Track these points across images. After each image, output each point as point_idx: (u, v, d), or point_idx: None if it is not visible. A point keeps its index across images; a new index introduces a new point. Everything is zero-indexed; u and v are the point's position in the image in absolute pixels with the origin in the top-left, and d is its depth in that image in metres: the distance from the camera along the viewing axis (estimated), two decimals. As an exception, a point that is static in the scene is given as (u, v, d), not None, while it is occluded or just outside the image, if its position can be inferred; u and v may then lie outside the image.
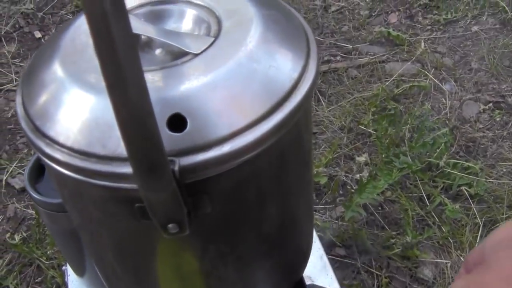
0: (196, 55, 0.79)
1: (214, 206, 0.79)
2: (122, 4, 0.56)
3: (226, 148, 0.73)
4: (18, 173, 2.30)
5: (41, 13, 3.18)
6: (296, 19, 0.92)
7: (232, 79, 0.76)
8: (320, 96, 2.50)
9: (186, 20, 0.89)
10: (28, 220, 2.12)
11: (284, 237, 1.03)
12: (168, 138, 0.71)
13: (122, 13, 0.56)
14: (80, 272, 1.38)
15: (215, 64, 0.77)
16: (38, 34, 3.05)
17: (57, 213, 1.17)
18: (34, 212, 2.12)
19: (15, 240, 2.03)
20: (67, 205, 0.96)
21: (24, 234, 2.06)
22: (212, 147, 0.73)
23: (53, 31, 3.04)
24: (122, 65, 0.58)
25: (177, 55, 0.81)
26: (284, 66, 0.81)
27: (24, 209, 2.16)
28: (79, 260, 1.32)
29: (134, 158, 0.67)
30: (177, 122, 0.72)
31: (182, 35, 0.85)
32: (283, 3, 0.97)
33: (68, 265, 1.46)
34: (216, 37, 0.82)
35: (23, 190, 2.22)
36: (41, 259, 1.95)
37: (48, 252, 1.96)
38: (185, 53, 0.80)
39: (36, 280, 1.94)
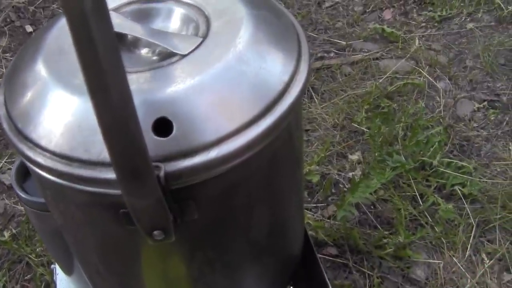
0: (184, 56, 0.77)
1: (201, 212, 0.78)
2: (103, 4, 0.54)
3: (213, 153, 0.71)
4: (8, 169, 2.28)
5: (33, 7, 3.15)
6: (287, 19, 0.90)
7: (220, 82, 0.74)
8: (313, 93, 2.47)
9: (174, 19, 0.87)
10: (18, 217, 2.10)
11: (273, 242, 1.01)
12: (153, 143, 0.69)
13: (103, 13, 0.54)
14: (68, 271, 1.37)
15: (202, 66, 0.75)
16: (29, 28, 3.02)
17: (44, 212, 1.15)
18: (23, 208, 2.11)
19: (4, 236, 2.01)
20: (50, 207, 0.95)
21: (14, 231, 2.04)
22: (198, 153, 0.71)
23: (44, 24, 3.02)
24: (104, 69, 0.56)
25: (164, 56, 0.79)
26: (274, 69, 0.79)
27: (14, 205, 2.14)
28: (66, 259, 1.31)
29: (118, 164, 0.65)
30: (163, 126, 0.70)
31: (170, 35, 0.83)
32: (274, 1, 0.94)
33: (56, 263, 1.45)
34: (205, 37, 0.80)
35: (12, 186, 2.20)
36: (30, 256, 1.93)
37: (38, 250, 1.94)
38: (173, 54, 0.78)
39: (26, 278, 1.92)
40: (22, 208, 2.12)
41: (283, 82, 0.78)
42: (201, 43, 0.79)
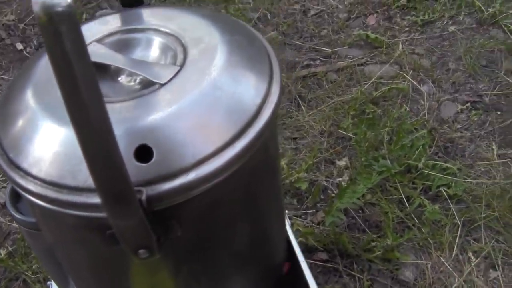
0: (163, 84, 0.82)
1: (183, 230, 0.82)
2: (83, 45, 0.58)
3: (191, 176, 0.76)
4: (3, 187, 2.31)
5: (23, 24, 3.18)
6: (259, 42, 0.95)
7: (197, 109, 0.79)
8: (300, 101, 2.52)
9: (153, 48, 0.91)
10: (14, 234, 2.13)
11: (256, 253, 1.05)
12: (135, 169, 0.74)
13: (83, 53, 0.59)
14: (64, 287, 1.40)
15: (180, 94, 0.80)
16: (19, 46, 3.05)
17: (38, 231, 1.18)
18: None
19: (0, 254, 2.04)
20: (42, 228, 0.99)
21: (10, 249, 2.06)
22: (177, 176, 0.76)
23: (35, 42, 3.05)
24: (85, 104, 0.61)
25: (145, 84, 0.84)
26: (247, 92, 0.83)
27: (9, 223, 2.16)
28: (61, 276, 1.34)
29: (102, 190, 0.69)
30: (144, 153, 0.75)
31: (149, 64, 0.87)
32: (247, 26, 0.99)
33: (52, 280, 1.47)
34: (182, 65, 0.85)
35: (8, 203, 2.22)
36: (27, 273, 1.96)
37: (34, 267, 1.96)
38: (153, 82, 0.83)
39: (23, 294, 1.96)
40: (17, 225, 2.14)
41: (256, 105, 0.83)
42: (178, 71, 0.84)
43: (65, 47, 0.56)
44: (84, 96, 0.60)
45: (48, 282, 1.55)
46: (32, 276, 1.96)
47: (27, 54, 2.97)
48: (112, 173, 0.67)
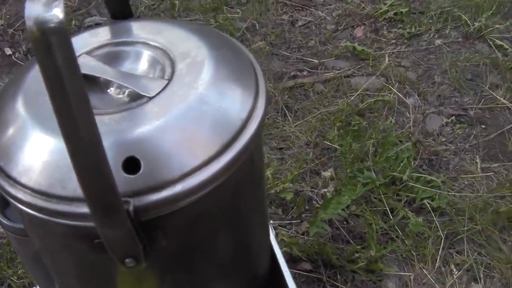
0: (151, 98, 0.83)
1: (169, 240, 0.84)
2: (73, 60, 0.60)
3: (178, 188, 0.78)
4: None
5: (12, 30, 3.18)
6: (245, 57, 0.97)
7: (184, 122, 0.81)
8: (286, 111, 2.53)
9: (142, 62, 0.93)
10: None
11: (240, 263, 1.07)
12: (123, 180, 0.76)
13: (74, 68, 0.60)
14: (50, 293, 1.41)
15: (167, 108, 0.81)
16: (8, 51, 3.05)
17: (26, 237, 1.19)
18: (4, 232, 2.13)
19: (-14, 259, 2.05)
20: (30, 235, 1.00)
21: (-4, 254, 2.08)
22: (164, 188, 0.77)
23: (24, 48, 3.06)
24: (75, 117, 0.62)
25: (134, 96, 0.86)
26: (233, 107, 0.85)
27: (-4, 228, 2.17)
28: (48, 282, 1.35)
29: (91, 201, 0.71)
30: (132, 165, 0.77)
31: (138, 77, 0.89)
32: (234, 40, 1.01)
33: (37, 286, 1.48)
34: (170, 79, 0.86)
35: (-6, 209, 2.22)
36: (12, 278, 1.97)
37: (19, 272, 1.97)
38: (141, 95, 0.84)
39: (8, 299, 1.96)
40: (3, 230, 2.14)
41: (242, 119, 0.84)
42: (166, 85, 0.85)
43: (56, 61, 0.58)
44: (74, 109, 0.61)
45: (33, 288, 1.56)
46: (18, 281, 1.97)
47: (16, 60, 2.97)
48: (100, 184, 0.69)
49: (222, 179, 0.82)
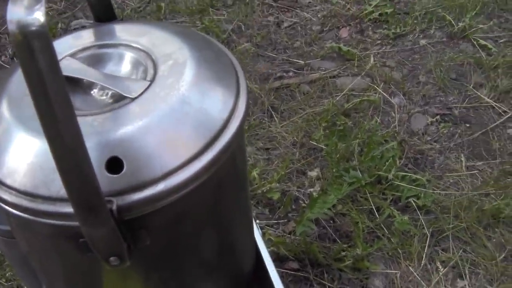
0: (133, 99, 0.85)
1: (152, 238, 0.85)
2: (55, 62, 0.61)
3: (160, 187, 0.79)
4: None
5: (-2, 33, 3.19)
6: (227, 59, 0.98)
7: (165, 123, 0.82)
8: (273, 112, 2.54)
9: (125, 63, 0.94)
10: (-12, 242, 2.14)
11: (224, 262, 1.08)
12: (106, 180, 0.77)
13: (56, 70, 0.61)
14: (38, 294, 1.42)
15: (149, 108, 0.83)
16: (-6, 55, 3.07)
17: (13, 239, 1.20)
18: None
19: (-26, 262, 2.06)
20: (16, 236, 1.01)
21: (-16, 256, 2.08)
22: (147, 187, 0.79)
23: (10, 51, 3.06)
24: (58, 119, 0.64)
25: (117, 98, 0.87)
26: (214, 107, 0.87)
27: (-16, 231, 2.17)
28: (36, 284, 1.36)
29: (74, 201, 0.72)
30: (115, 165, 0.78)
31: (121, 79, 0.90)
32: (215, 42, 1.02)
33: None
34: (152, 80, 0.88)
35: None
36: (0, 281, 1.97)
37: (8, 274, 1.97)
38: (124, 96, 0.86)
39: (-3, 302, 1.97)
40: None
41: (223, 119, 0.86)
42: (148, 86, 0.87)
43: (38, 64, 0.60)
44: (56, 111, 0.63)
45: (22, 290, 1.56)
46: (6, 284, 1.97)
47: (1, 63, 2.98)
48: (83, 185, 0.70)
49: (204, 178, 0.83)
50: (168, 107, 0.83)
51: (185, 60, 0.90)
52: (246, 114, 0.90)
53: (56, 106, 0.62)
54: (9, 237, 1.18)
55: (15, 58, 3.01)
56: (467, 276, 1.93)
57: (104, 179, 0.76)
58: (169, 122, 0.82)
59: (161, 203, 0.81)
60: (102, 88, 0.89)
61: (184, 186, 0.81)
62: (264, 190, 2.17)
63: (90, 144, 0.71)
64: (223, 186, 0.94)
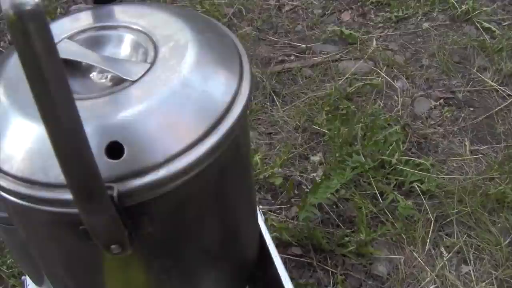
0: (133, 82, 0.82)
1: (154, 226, 0.83)
2: (51, 43, 0.59)
3: (162, 172, 0.77)
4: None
5: (-4, 20, 3.18)
6: (230, 41, 0.96)
7: (167, 106, 0.80)
8: (274, 97, 2.52)
9: (124, 46, 0.91)
10: (-12, 229, 2.13)
11: (227, 249, 1.06)
12: (107, 165, 0.75)
13: (53, 54, 0.59)
14: (38, 282, 1.40)
15: (150, 91, 0.80)
16: (-8, 42, 3.05)
17: (12, 226, 1.18)
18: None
19: (-26, 250, 2.04)
20: (15, 224, 0.99)
21: (-16, 244, 2.07)
22: (148, 172, 0.76)
23: (9, 37, 3.04)
24: (55, 103, 0.61)
25: (116, 81, 0.84)
26: (217, 91, 0.84)
27: (-17, 218, 2.16)
28: (36, 271, 1.34)
29: (73, 186, 0.70)
30: (115, 150, 0.76)
31: (120, 61, 0.88)
32: (218, 24, 1.00)
33: (26, 275, 1.48)
34: (153, 63, 0.85)
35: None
36: (1, 267, 1.96)
37: (8, 261, 1.96)
38: (124, 79, 0.83)
39: (-3, 289, 1.96)
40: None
41: (226, 103, 0.84)
42: (149, 69, 0.84)
43: (34, 46, 0.57)
44: (53, 94, 0.60)
45: (23, 277, 1.55)
46: (7, 271, 1.96)
47: (1, 49, 2.95)
48: (83, 170, 0.68)
49: (206, 163, 0.81)
50: (170, 90, 0.81)
51: (186, 42, 0.88)
52: (250, 97, 0.87)
53: (53, 89, 0.60)
54: (8, 224, 1.17)
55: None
56: (472, 261, 1.92)
57: (104, 165, 0.74)
58: (170, 106, 0.80)
59: (163, 189, 0.79)
60: (101, 71, 0.87)
61: (186, 172, 0.79)
62: (266, 175, 2.16)
63: (89, 128, 0.69)
64: (226, 171, 0.92)
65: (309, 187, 2.15)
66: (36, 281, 1.41)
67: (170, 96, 0.80)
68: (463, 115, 2.42)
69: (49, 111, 0.62)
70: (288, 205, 2.11)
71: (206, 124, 0.81)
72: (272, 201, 2.12)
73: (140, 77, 0.83)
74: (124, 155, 0.76)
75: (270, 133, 2.39)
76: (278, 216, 2.07)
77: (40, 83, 0.59)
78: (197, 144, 0.79)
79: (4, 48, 2.98)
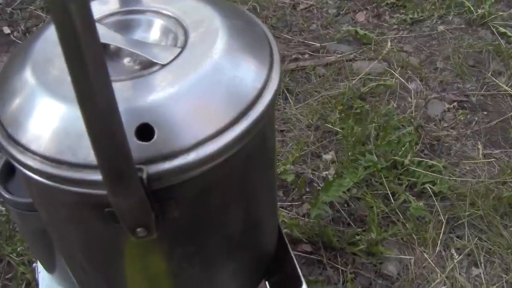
0: (163, 65, 0.82)
1: (180, 210, 0.83)
2: (92, 24, 0.58)
3: (191, 156, 0.76)
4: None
5: (10, 9, 3.17)
6: (260, 29, 0.96)
7: (197, 90, 0.79)
8: (288, 94, 2.52)
9: (154, 30, 0.91)
10: (-2, 217, 2.13)
11: (248, 239, 1.06)
12: (137, 147, 0.74)
13: (93, 32, 0.59)
14: (50, 269, 1.40)
15: (181, 75, 0.80)
16: (7, 30, 3.04)
17: (28, 212, 1.18)
18: (4, 208, 2.13)
19: (-16, 237, 2.04)
20: (36, 205, 0.99)
21: (-6, 231, 2.07)
22: (178, 156, 0.76)
23: (22, 27, 3.04)
24: (92, 82, 0.61)
25: (145, 65, 0.84)
26: (247, 77, 0.84)
27: (-7, 206, 2.17)
28: (49, 258, 1.34)
29: (104, 167, 0.70)
30: (145, 132, 0.75)
31: (150, 45, 0.88)
32: (247, 12, 1.00)
33: (38, 262, 1.47)
34: (183, 47, 0.85)
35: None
36: (11, 255, 1.96)
37: (19, 249, 1.96)
38: (153, 63, 0.83)
39: (7, 277, 1.95)
40: (2, 208, 2.13)
41: (256, 89, 0.83)
42: (179, 53, 0.84)
43: (74, 26, 0.56)
44: (92, 74, 0.60)
45: (34, 264, 1.55)
46: (17, 259, 1.96)
47: (14, 38, 2.96)
48: (115, 151, 0.67)
49: (235, 150, 0.81)
50: (201, 74, 0.80)
51: (217, 28, 0.87)
52: (280, 86, 0.87)
53: (92, 69, 0.60)
54: (24, 209, 1.16)
55: (27, 34, 2.99)
56: (482, 264, 1.92)
57: (134, 147, 0.73)
58: (201, 90, 0.79)
59: (191, 174, 0.78)
60: (130, 55, 0.86)
61: (215, 157, 0.78)
62: (278, 172, 2.15)
63: (119, 110, 0.68)
64: (252, 160, 0.91)
65: (320, 185, 2.14)
66: (48, 268, 1.41)
67: (201, 80, 0.80)
68: (476, 118, 2.42)
69: (86, 92, 0.62)
70: (299, 202, 2.11)
71: (236, 109, 0.80)
72: (284, 198, 2.12)
73: (171, 61, 0.82)
74: (154, 138, 0.76)
75: (282, 131, 2.39)
76: (289, 213, 2.07)
77: (78, 62, 0.59)
78: (227, 129, 0.79)
79: (18, 38, 2.98)
